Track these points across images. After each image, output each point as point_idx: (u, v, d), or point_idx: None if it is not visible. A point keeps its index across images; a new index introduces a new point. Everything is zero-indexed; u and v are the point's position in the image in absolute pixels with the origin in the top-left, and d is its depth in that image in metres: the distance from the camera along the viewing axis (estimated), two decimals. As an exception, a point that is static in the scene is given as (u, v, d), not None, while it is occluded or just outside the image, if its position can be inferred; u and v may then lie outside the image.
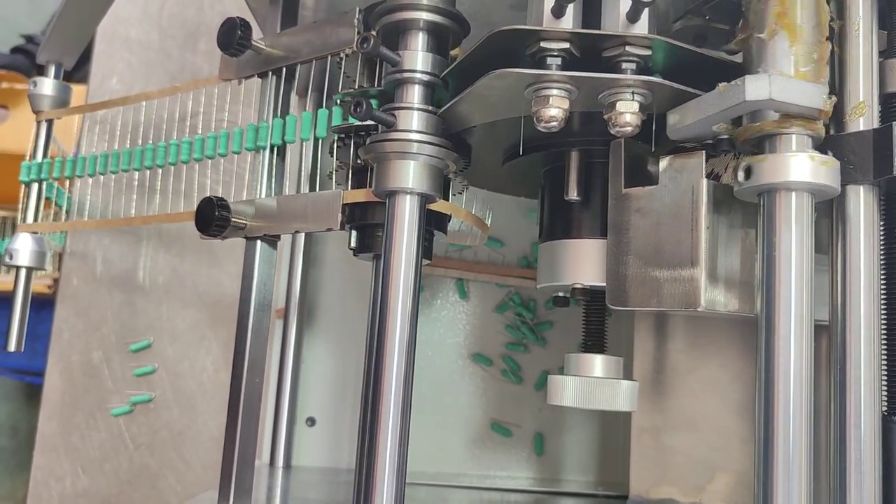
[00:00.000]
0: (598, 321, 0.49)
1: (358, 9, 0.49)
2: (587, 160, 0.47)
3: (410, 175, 0.42)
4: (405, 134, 0.42)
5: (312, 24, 0.52)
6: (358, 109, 0.41)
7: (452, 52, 0.47)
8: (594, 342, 0.49)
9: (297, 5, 0.57)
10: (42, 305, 0.92)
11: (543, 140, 0.47)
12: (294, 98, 0.57)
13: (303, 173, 0.57)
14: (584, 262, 0.47)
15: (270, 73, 0.53)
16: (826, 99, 0.34)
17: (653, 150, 0.43)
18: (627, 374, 0.50)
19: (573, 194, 0.47)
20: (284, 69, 0.53)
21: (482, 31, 0.41)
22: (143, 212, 0.68)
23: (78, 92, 0.79)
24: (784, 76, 0.34)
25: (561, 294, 0.51)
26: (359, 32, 0.49)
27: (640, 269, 0.40)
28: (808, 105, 0.34)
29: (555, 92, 0.38)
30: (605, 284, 0.46)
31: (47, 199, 0.73)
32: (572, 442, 0.71)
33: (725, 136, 0.37)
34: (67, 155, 0.76)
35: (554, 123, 0.38)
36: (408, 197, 0.43)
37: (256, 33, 0.54)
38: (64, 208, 0.80)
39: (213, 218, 0.50)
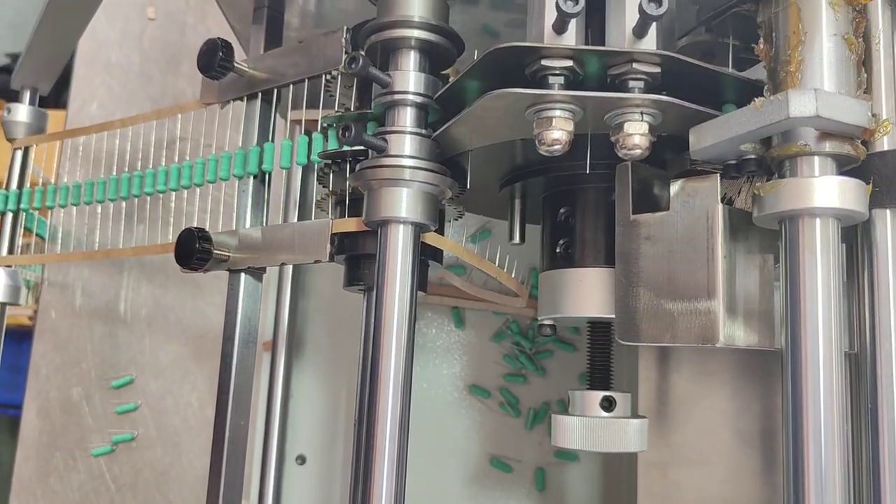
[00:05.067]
0: (604, 355, 0.46)
1: (346, 28, 0.47)
2: (590, 183, 0.44)
3: (403, 203, 0.39)
4: (397, 159, 0.40)
5: (298, 44, 0.49)
6: (346, 134, 0.38)
7: (446, 72, 0.45)
8: (600, 378, 0.46)
9: (281, 26, 0.54)
10: (22, 337, 0.88)
11: (543, 163, 0.45)
12: (282, 123, 0.54)
13: (291, 200, 0.54)
14: (588, 293, 0.44)
15: (251, 97, 0.51)
16: (870, 116, 0.32)
17: (663, 172, 0.40)
18: (632, 405, 0.47)
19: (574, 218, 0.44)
20: (272, 91, 0.50)
21: (478, 47, 0.38)
22: (125, 240, 0.65)
23: (57, 117, 0.77)
24: (826, 91, 0.32)
25: (547, 323, 0.48)
26: (346, 52, 0.47)
27: (651, 301, 0.38)
28: (853, 123, 0.31)
29: (558, 113, 0.35)
30: (611, 317, 0.44)
31: (26, 228, 0.70)
32: (575, 477, 0.68)
33: (751, 157, 0.34)
34: (49, 183, 0.74)
35: (558, 147, 0.35)
36: (401, 226, 0.40)
37: (239, 55, 0.52)
38: (45, 237, 0.77)
39: (193, 251, 0.47)
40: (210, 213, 0.69)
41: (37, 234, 0.74)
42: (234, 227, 0.50)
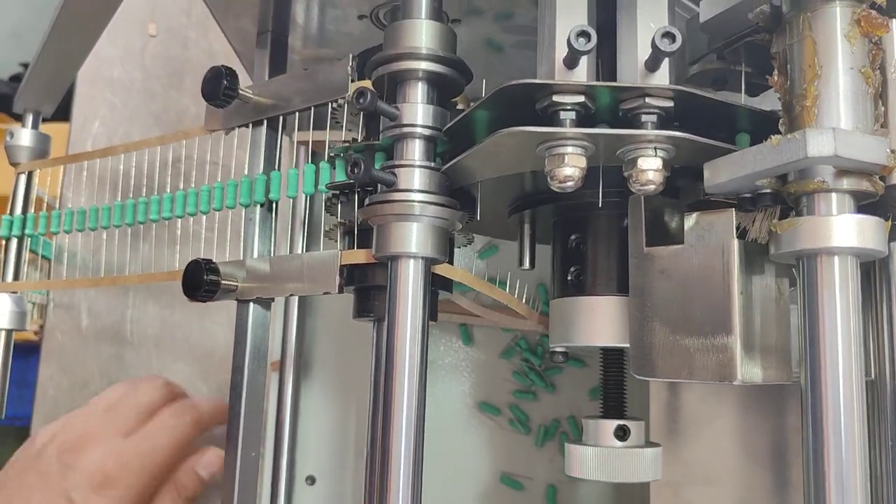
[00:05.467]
0: (617, 383, 0.46)
1: (351, 56, 0.46)
2: (602, 210, 0.44)
3: (414, 238, 0.39)
4: (406, 194, 0.39)
5: (303, 71, 0.48)
6: (355, 171, 0.38)
7: (455, 100, 0.45)
8: (614, 406, 0.46)
9: (286, 50, 0.54)
10: (30, 352, 0.88)
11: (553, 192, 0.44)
12: (288, 143, 0.54)
13: (299, 229, 0.54)
14: (601, 322, 0.43)
15: (256, 123, 0.50)
16: (889, 153, 0.31)
17: (675, 201, 0.40)
18: (645, 431, 0.47)
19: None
20: (277, 118, 0.50)
21: (482, 61, 0.37)
22: (131, 259, 0.65)
23: (60, 130, 0.76)
24: (844, 129, 0.31)
25: (559, 350, 0.47)
26: (353, 80, 0.46)
27: (667, 336, 0.37)
28: (872, 161, 0.31)
29: (570, 150, 0.35)
30: (624, 345, 0.43)
31: (30, 250, 0.70)
32: (587, 494, 0.68)
33: (767, 191, 0.34)
34: (53, 206, 0.73)
35: (570, 183, 0.35)
36: (411, 261, 0.39)
37: (243, 77, 0.51)
38: (51, 258, 0.77)
39: (201, 283, 0.46)
40: (217, 233, 0.68)
41: (42, 256, 0.74)
42: (241, 250, 0.50)
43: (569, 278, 0.45)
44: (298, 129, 0.63)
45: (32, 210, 0.66)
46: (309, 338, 0.71)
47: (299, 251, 0.48)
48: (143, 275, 0.56)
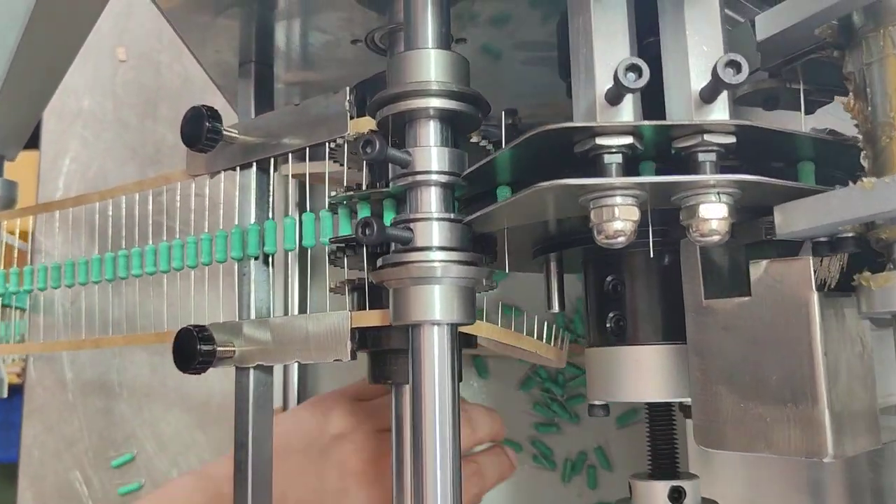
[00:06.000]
0: (667, 439, 0.41)
1: (348, 88, 0.41)
2: (640, 247, 0.39)
3: (437, 304, 0.34)
4: (425, 253, 0.34)
5: (295, 106, 0.43)
6: (367, 232, 0.33)
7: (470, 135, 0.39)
8: (665, 465, 0.41)
9: (271, 80, 0.48)
10: (13, 392, 0.83)
11: (583, 232, 0.39)
12: (278, 176, 0.48)
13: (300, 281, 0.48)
14: (648, 376, 0.39)
15: (244, 166, 0.45)
16: None
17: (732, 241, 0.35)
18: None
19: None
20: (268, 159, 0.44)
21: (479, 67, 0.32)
22: (114, 305, 0.59)
23: (28, 159, 0.70)
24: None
25: (599, 404, 0.42)
26: (351, 117, 0.41)
27: (736, 402, 0.32)
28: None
29: (619, 200, 0.30)
30: (676, 400, 0.39)
31: (3, 305, 0.64)
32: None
33: (849, 235, 0.29)
34: (25, 250, 0.68)
35: (621, 239, 0.30)
36: (435, 328, 0.34)
37: (226, 112, 0.46)
38: (25, 308, 0.71)
39: (195, 353, 0.41)
40: (208, 272, 0.63)
41: (16, 307, 0.68)
42: (235, 305, 0.45)
43: (608, 325, 0.41)
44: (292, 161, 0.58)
45: (2, 260, 0.61)
46: (312, 380, 0.66)
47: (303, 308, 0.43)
48: (128, 336, 0.51)
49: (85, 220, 0.59)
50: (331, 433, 0.50)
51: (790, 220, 0.30)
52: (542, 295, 0.46)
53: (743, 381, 0.32)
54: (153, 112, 0.74)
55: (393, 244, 0.36)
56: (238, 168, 0.46)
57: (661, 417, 0.41)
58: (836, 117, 0.40)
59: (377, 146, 0.32)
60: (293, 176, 0.59)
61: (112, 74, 0.75)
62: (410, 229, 0.35)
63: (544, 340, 0.46)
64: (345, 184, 0.41)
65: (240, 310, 0.45)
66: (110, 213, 0.53)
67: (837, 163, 0.34)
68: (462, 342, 0.41)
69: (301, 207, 0.65)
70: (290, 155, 0.43)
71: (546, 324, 0.46)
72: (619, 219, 0.30)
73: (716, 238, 0.30)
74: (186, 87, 0.73)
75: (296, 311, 0.42)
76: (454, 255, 0.34)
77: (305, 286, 0.60)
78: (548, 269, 0.45)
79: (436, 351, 0.34)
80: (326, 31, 0.44)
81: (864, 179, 0.27)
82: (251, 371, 0.44)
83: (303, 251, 0.41)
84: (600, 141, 0.30)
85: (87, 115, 0.74)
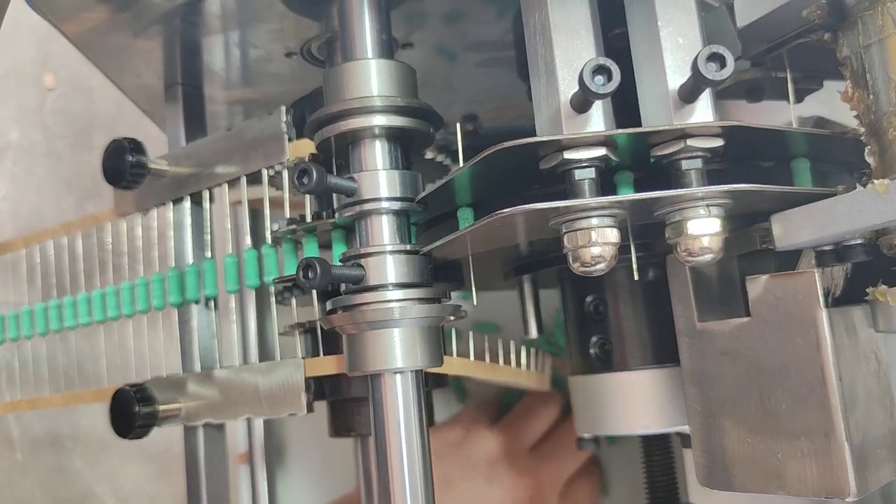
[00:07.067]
0: (665, 470, 0.38)
1: (284, 108, 0.37)
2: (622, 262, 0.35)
3: (398, 349, 0.30)
4: (380, 293, 0.30)
5: (227, 132, 0.39)
6: (310, 274, 0.28)
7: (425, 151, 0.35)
8: (663, 498, 0.37)
9: (202, 102, 0.44)
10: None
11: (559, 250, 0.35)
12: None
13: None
14: (639, 405, 0.35)
15: (177, 201, 0.41)
16: None
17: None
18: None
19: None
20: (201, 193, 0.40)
21: (434, 69, 0.28)
22: (61, 354, 0.54)
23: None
24: None
25: (588, 437, 0.38)
26: (290, 139, 0.37)
27: (742, 437, 0.29)
28: None
29: (595, 222, 0.26)
30: (671, 429, 0.35)
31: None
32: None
33: (858, 242, 0.26)
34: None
35: (601, 266, 0.26)
36: (398, 377, 0.30)
37: (157, 136, 0.41)
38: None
39: (133, 418, 0.37)
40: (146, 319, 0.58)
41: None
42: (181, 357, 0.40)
43: (591, 351, 0.37)
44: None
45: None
46: (278, 421, 0.62)
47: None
48: (66, 395, 0.46)
49: (13, 265, 0.54)
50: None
51: (791, 231, 0.26)
52: (518, 307, 0.42)
53: (748, 412, 0.29)
54: (88, 141, 0.69)
55: (345, 285, 0.32)
56: (171, 203, 0.41)
57: (657, 449, 0.38)
58: (820, 102, 0.37)
59: (314, 177, 0.28)
60: (232, 203, 0.55)
61: (40, 104, 0.70)
62: (361, 266, 0.30)
63: (523, 365, 0.43)
64: (287, 214, 0.37)
65: (183, 361, 0.40)
66: (38, 260, 0.48)
67: (830, 156, 0.30)
68: (431, 381, 0.37)
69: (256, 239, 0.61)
70: (225, 186, 0.39)
71: (524, 346, 0.42)
72: (597, 243, 0.26)
73: (708, 257, 0.26)
74: (122, 113, 0.68)
75: (254, 357, 0.37)
76: (413, 293, 0.30)
77: (265, 328, 0.56)
78: (522, 292, 0.41)
79: (399, 401, 0.30)
80: (257, 46, 0.40)
81: (876, 182, 0.23)
82: (200, 430, 0.39)
83: (263, 287, 0.37)
84: (569, 155, 0.26)
85: (15, 150, 0.69)
